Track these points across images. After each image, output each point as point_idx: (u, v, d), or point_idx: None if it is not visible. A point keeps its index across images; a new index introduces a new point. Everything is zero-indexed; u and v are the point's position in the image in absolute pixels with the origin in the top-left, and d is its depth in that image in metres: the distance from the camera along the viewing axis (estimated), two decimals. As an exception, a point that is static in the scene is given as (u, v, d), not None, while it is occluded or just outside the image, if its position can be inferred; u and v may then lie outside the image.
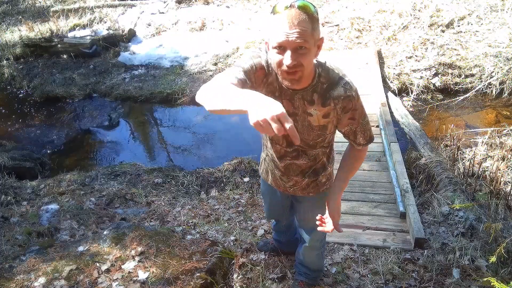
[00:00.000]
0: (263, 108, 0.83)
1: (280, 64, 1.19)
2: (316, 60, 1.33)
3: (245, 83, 1.26)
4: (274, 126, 0.82)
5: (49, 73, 6.86)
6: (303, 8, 1.13)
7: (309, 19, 1.14)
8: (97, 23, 8.19)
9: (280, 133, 0.82)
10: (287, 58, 1.16)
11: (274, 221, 2.25)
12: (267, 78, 1.36)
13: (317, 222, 1.54)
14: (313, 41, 1.18)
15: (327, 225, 1.52)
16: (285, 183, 1.66)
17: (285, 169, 1.60)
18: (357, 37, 6.27)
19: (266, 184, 1.80)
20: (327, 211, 1.55)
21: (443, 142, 3.94)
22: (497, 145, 3.76)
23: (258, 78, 1.34)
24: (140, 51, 7.26)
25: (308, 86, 1.33)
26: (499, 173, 3.16)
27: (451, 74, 5.16)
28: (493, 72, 4.99)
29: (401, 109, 4.66)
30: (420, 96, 5.04)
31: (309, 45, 1.16)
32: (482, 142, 3.83)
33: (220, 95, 1.00)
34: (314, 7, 1.17)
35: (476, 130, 4.32)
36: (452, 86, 5.08)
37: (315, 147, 1.50)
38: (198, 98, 1.11)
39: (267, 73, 1.35)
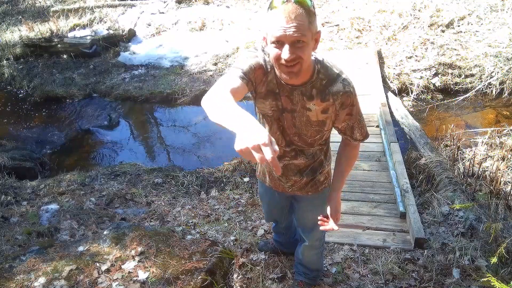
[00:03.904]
0: (248, 135, 0.84)
1: (278, 58, 1.20)
2: (315, 57, 1.34)
3: (247, 84, 1.28)
4: (256, 155, 0.83)
5: (49, 73, 6.86)
6: (300, 3, 1.14)
7: (306, 13, 1.15)
8: (97, 23, 8.19)
9: (262, 162, 0.83)
10: (285, 52, 1.16)
11: (273, 222, 2.25)
12: (266, 76, 1.36)
13: (319, 222, 1.55)
14: (310, 35, 1.18)
15: (329, 224, 1.53)
16: (284, 184, 1.67)
17: (283, 170, 1.61)
18: (357, 37, 6.27)
19: (264, 186, 1.80)
20: (327, 210, 1.56)
21: (443, 142, 3.94)
22: (497, 145, 3.76)
23: (258, 77, 1.35)
24: (140, 51, 7.26)
25: (308, 82, 1.33)
26: (499, 173, 3.16)
27: (451, 74, 5.16)
28: (493, 72, 4.99)
29: (401, 109, 4.66)
30: (420, 96, 5.04)
31: (307, 38, 1.17)
32: (482, 142, 3.83)
33: (219, 108, 1.02)
34: (311, 1, 1.18)
35: (476, 130, 4.32)
36: (452, 86, 5.08)
37: (313, 145, 1.50)
38: (203, 105, 1.13)
39: (266, 72, 1.35)
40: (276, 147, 0.83)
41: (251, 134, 0.84)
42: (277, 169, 0.85)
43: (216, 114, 1.02)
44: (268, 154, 0.82)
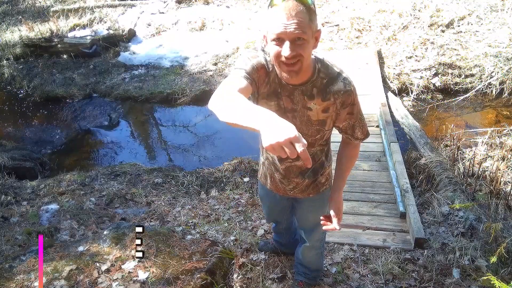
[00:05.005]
0: (277, 131, 0.83)
1: (278, 56, 1.19)
2: (315, 56, 1.34)
3: (251, 84, 1.26)
4: (287, 150, 0.83)
5: (49, 73, 6.86)
6: (300, 0, 1.14)
7: (306, 11, 1.15)
8: (97, 23, 8.19)
9: (293, 156, 0.83)
10: (285, 49, 1.16)
11: (273, 223, 2.25)
12: (269, 77, 1.35)
13: (321, 222, 1.55)
14: (310, 32, 1.18)
15: (331, 224, 1.53)
16: (286, 186, 1.66)
17: (285, 172, 1.60)
18: (357, 37, 6.27)
19: (265, 189, 1.80)
20: (330, 210, 1.56)
21: (443, 142, 3.94)
22: (497, 145, 3.76)
23: (261, 77, 1.34)
24: (140, 51, 7.26)
25: (308, 81, 1.33)
26: (499, 173, 3.16)
27: (451, 74, 5.16)
28: (493, 72, 4.99)
29: (401, 109, 4.66)
30: (420, 96, 5.04)
31: (307, 36, 1.16)
32: (482, 142, 3.83)
33: (231, 107, 0.99)
34: None
35: (476, 130, 4.32)
36: (452, 86, 5.09)
37: (314, 145, 1.50)
38: (210, 107, 1.10)
39: (268, 72, 1.35)
40: (304, 140, 0.84)
41: (279, 129, 0.83)
42: (308, 161, 0.86)
43: (228, 113, 0.99)
44: (299, 147, 0.82)
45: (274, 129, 0.84)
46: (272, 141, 0.83)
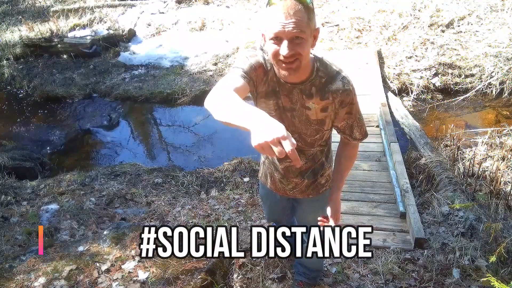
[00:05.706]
0: (265, 130, 0.83)
1: (276, 54, 1.19)
2: (314, 55, 1.34)
3: (248, 83, 1.27)
4: (275, 149, 0.82)
5: (49, 73, 6.86)
6: None
7: (305, 9, 1.14)
8: (97, 23, 8.19)
9: (281, 156, 0.82)
10: (283, 48, 1.15)
11: (274, 223, 2.25)
12: (267, 75, 1.35)
13: (319, 223, 1.55)
14: (309, 31, 1.17)
15: (330, 223, 1.53)
16: (285, 186, 1.66)
17: (285, 171, 1.60)
18: (357, 37, 6.26)
19: (265, 188, 1.80)
20: (328, 210, 1.56)
21: (443, 142, 3.94)
22: (497, 145, 3.76)
23: (259, 76, 1.34)
24: (140, 51, 7.26)
25: (307, 80, 1.33)
26: (499, 173, 3.16)
27: (451, 74, 5.16)
28: (493, 72, 4.99)
29: (401, 109, 4.66)
30: (420, 96, 5.04)
31: (306, 35, 1.16)
32: (482, 142, 3.83)
33: (225, 107, 1.00)
34: None
35: (476, 130, 4.32)
36: (452, 86, 5.08)
37: (313, 145, 1.50)
38: (206, 106, 1.11)
39: (266, 70, 1.34)
40: (293, 140, 0.83)
41: (267, 129, 0.83)
42: (297, 161, 0.85)
43: (222, 112, 1.00)
44: (287, 147, 0.81)
45: (262, 128, 0.84)
46: (260, 140, 0.83)
